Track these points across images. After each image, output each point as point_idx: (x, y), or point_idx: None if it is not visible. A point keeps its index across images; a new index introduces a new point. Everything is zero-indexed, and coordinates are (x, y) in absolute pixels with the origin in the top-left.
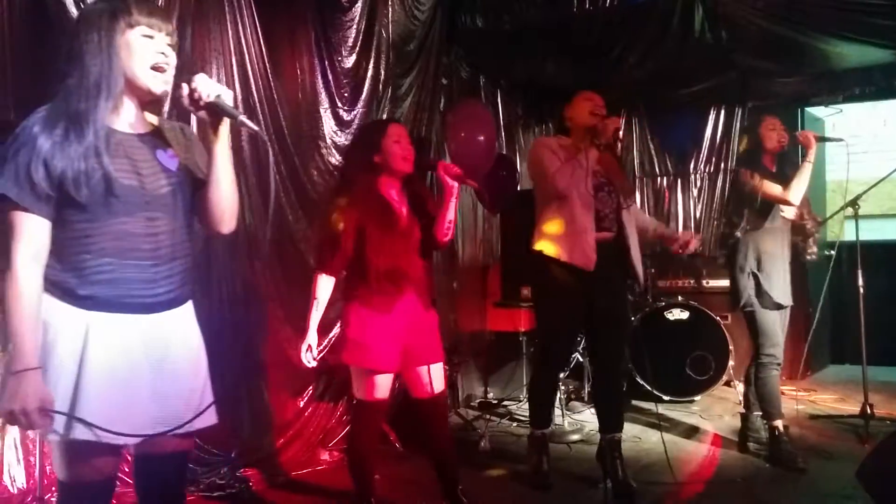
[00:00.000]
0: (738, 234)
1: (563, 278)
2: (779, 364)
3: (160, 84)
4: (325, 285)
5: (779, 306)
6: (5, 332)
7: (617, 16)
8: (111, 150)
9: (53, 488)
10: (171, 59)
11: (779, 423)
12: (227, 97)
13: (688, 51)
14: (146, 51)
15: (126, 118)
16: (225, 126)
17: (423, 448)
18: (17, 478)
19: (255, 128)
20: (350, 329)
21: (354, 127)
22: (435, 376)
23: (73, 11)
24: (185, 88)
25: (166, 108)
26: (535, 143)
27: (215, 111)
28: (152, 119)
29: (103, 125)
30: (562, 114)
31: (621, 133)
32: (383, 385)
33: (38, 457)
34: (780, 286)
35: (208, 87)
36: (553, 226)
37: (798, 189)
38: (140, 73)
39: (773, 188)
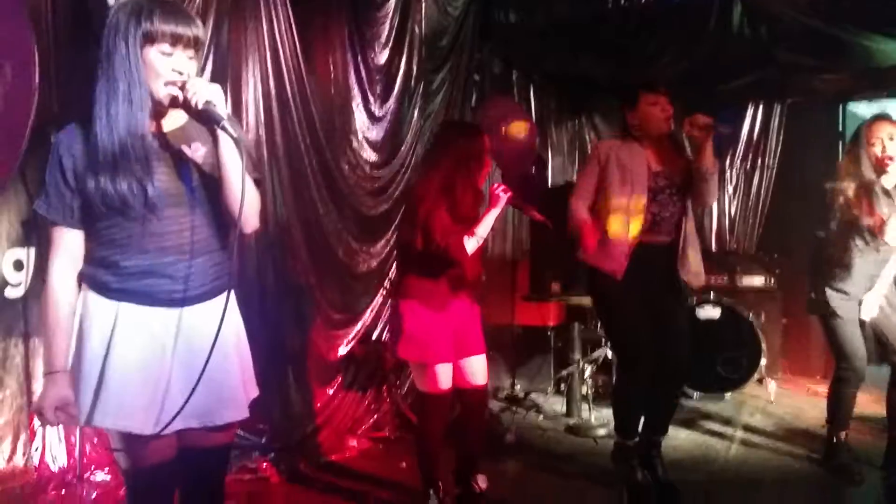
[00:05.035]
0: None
1: (610, 282)
2: (859, 380)
3: (172, 97)
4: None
5: (862, 321)
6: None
7: (652, 10)
8: (139, 155)
9: (93, 466)
10: (190, 72)
11: (842, 434)
12: (219, 100)
13: (726, 46)
14: (163, 68)
15: (147, 122)
16: (223, 134)
17: (452, 433)
18: (58, 457)
19: (235, 134)
20: (406, 324)
21: (386, 122)
22: (479, 368)
23: (112, 3)
24: (179, 93)
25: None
26: (591, 151)
27: (207, 118)
28: (181, 116)
29: (132, 132)
30: (624, 118)
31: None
32: (445, 375)
33: (78, 437)
34: (858, 298)
35: (200, 92)
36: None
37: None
38: (156, 88)
39: (869, 219)
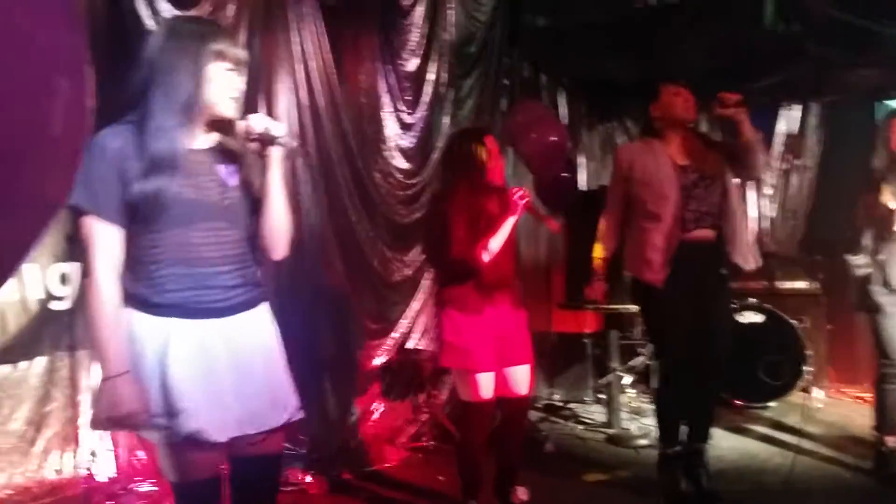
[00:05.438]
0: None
1: (652, 288)
2: None
3: (236, 112)
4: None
5: None
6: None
7: (681, 8)
8: (181, 167)
9: (138, 478)
10: (243, 89)
11: (891, 440)
12: (277, 129)
13: (757, 43)
14: (229, 84)
15: (193, 136)
16: (276, 157)
17: (492, 444)
18: (105, 468)
19: (294, 144)
20: (446, 333)
21: (417, 130)
22: (523, 378)
23: (148, 22)
24: (242, 126)
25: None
26: (614, 155)
27: (262, 140)
28: (215, 136)
29: (180, 144)
30: (649, 114)
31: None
32: (486, 384)
33: (125, 448)
34: None
35: (259, 124)
36: (626, 240)
37: None
38: (220, 102)
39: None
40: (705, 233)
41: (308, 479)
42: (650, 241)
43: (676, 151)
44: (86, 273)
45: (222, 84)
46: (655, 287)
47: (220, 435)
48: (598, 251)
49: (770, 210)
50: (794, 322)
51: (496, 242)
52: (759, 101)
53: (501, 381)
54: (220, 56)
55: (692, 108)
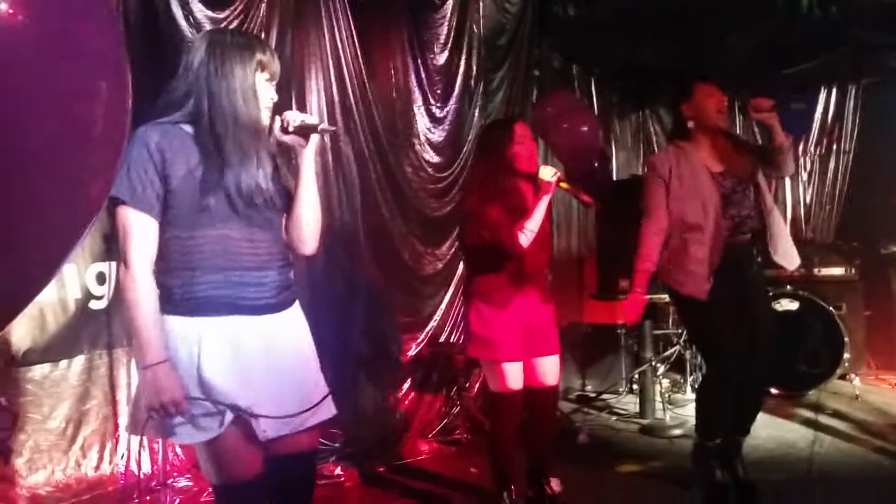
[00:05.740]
0: None
1: (692, 298)
2: None
3: (267, 120)
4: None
5: None
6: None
7: None
8: (224, 169)
9: (175, 474)
10: (276, 100)
11: None
12: (312, 121)
13: (794, 28)
14: (266, 93)
15: (236, 139)
16: (310, 150)
17: (522, 435)
18: (143, 464)
19: (333, 128)
20: (473, 325)
21: (448, 123)
22: (551, 368)
23: (183, 24)
24: (277, 121)
25: None
26: (649, 169)
27: (301, 131)
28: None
29: (227, 146)
30: (679, 112)
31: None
32: (514, 375)
33: (161, 444)
34: None
35: (295, 117)
36: (666, 255)
37: None
38: (260, 110)
39: None
40: (744, 237)
41: (342, 472)
42: (692, 253)
43: (709, 156)
44: (122, 263)
45: (262, 93)
46: (697, 297)
47: (262, 430)
48: (640, 262)
49: (806, 196)
50: (831, 309)
51: (534, 223)
52: (797, 85)
53: (529, 372)
54: (263, 66)
55: (725, 111)
